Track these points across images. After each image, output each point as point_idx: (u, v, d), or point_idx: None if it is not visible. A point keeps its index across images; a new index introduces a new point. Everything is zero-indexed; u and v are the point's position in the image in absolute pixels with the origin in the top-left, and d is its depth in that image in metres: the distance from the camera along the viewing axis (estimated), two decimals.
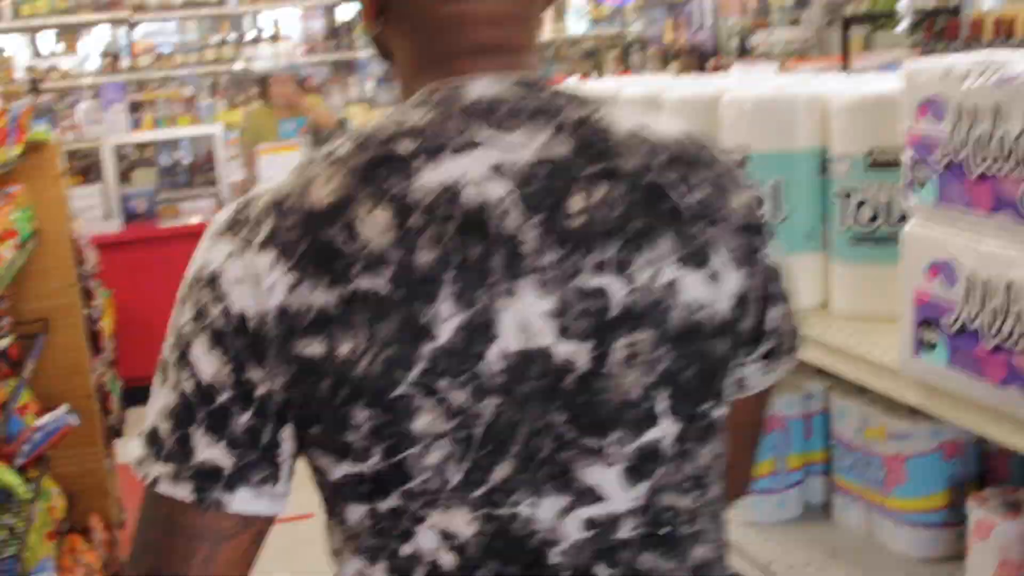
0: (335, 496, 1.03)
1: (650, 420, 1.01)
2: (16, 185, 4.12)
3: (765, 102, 1.97)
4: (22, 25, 7.94)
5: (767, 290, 1.10)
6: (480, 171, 0.97)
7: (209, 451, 0.98)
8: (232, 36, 8.62)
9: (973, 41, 4.75)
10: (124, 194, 7.19)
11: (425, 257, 0.95)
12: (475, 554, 1.01)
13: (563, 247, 0.97)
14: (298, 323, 0.95)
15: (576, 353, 0.98)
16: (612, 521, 1.02)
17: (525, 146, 0.99)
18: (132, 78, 8.13)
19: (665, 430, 1.02)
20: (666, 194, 1.01)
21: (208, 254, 1.00)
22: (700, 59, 7.36)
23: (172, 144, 7.58)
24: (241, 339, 0.97)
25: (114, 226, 6.86)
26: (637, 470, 1.01)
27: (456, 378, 0.96)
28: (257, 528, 1.01)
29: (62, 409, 4.00)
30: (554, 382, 0.98)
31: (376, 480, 0.99)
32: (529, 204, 0.97)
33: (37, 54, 8.26)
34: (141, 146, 7.66)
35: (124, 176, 7.68)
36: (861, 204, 1.84)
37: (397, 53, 1.09)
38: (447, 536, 1.00)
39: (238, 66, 8.42)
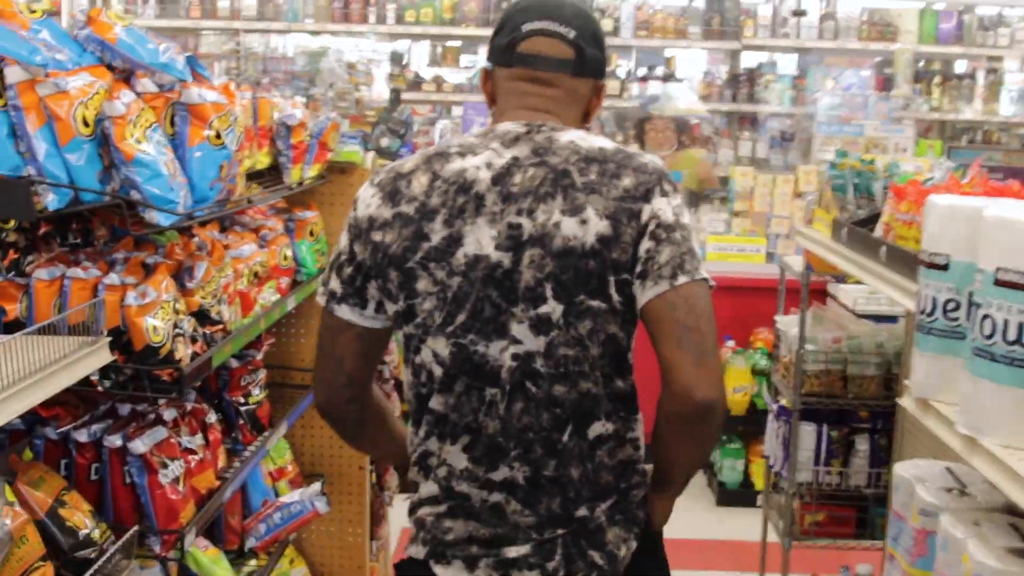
0: (394, 326, 1.98)
1: (542, 300, 1.84)
2: (311, 211, 3.41)
3: None
4: (403, 31, 7.51)
5: (640, 233, 1.83)
6: (480, 164, 1.89)
7: (334, 284, 1.98)
8: (621, 70, 7.82)
9: None
10: None
11: (435, 200, 1.87)
12: (452, 370, 1.89)
13: (504, 202, 1.85)
14: (375, 223, 1.91)
15: (503, 258, 1.85)
16: (529, 356, 1.86)
17: (508, 153, 1.89)
18: None
19: (552, 307, 1.84)
20: (570, 175, 1.85)
21: (361, 188, 1.99)
22: None
23: None
24: (355, 229, 1.94)
25: None
26: (537, 328, 1.85)
27: (439, 263, 1.86)
28: (355, 331, 1.98)
29: (313, 488, 3.24)
30: (491, 273, 1.85)
31: (403, 315, 1.91)
32: (495, 180, 1.87)
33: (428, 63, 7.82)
34: None
35: None
36: None
37: (496, 113, 2.02)
38: (435, 354, 1.90)
39: (630, 102, 7.55)
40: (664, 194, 1.85)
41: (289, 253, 3.15)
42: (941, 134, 7.65)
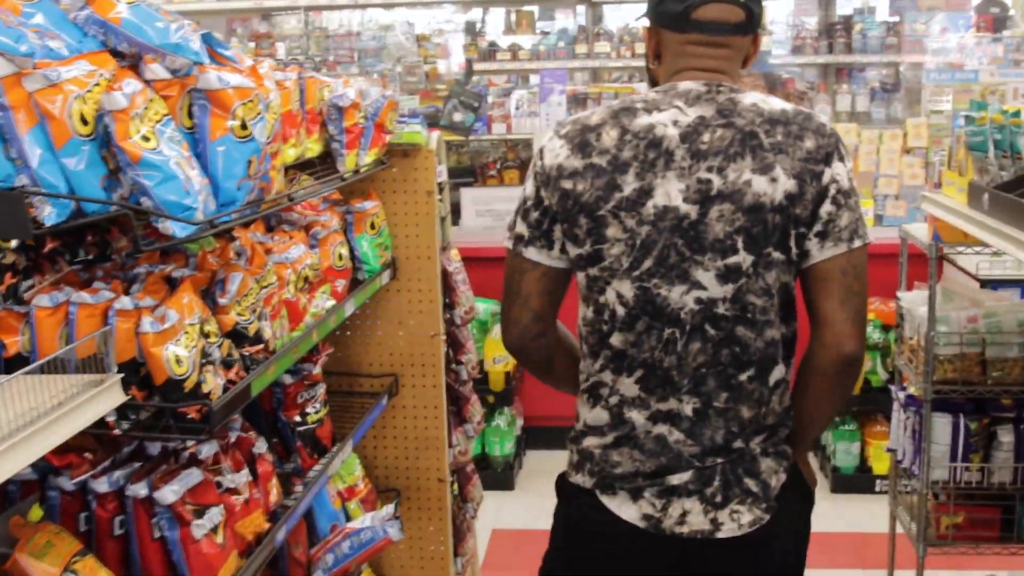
0: (574, 268, 2.08)
1: (733, 251, 1.96)
2: (370, 201, 3.07)
3: None
4: None
5: (821, 194, 1.98)
6: (667, 120, 1.99)
7: (521, 227, 2.10)
8: None
9: None
10: None
11: (627, 154, 1.98)
12: (634, 310, 2.01)
13: (693, 159, 1.97)
14: (564, 172, 2.01)
15: (690, 210, 1.96)
16: (712, 301, 1.98)
17: (693, 112, 2.00)
18: (586, 66, 7.08)
19: (743, 258, 1.96)
20: (757, 136, 1.97)
21: (545, 139, 2.09)
22: None
23: None
24: (542, 176, 2.05)
25: None
26: (724, 277, 1.97)
27: (629, 212, 1.97)
28: (541, 270, 2.10)
29: (385, 512, 2.91)
30: (678, 224, 1.97)
31: (588, 259, 2.03)
32: (683, 137, 1.98)
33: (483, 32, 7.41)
34: None
35: None
36: None
37: (662, 71, 2.12)
38: (619, 295, 2.01)
39: None
40: (841, 158, 2.01)
41: (345, 252, 2.80)
42: None
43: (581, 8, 7.55)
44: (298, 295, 2.44)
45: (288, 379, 2.63)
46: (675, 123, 1.98)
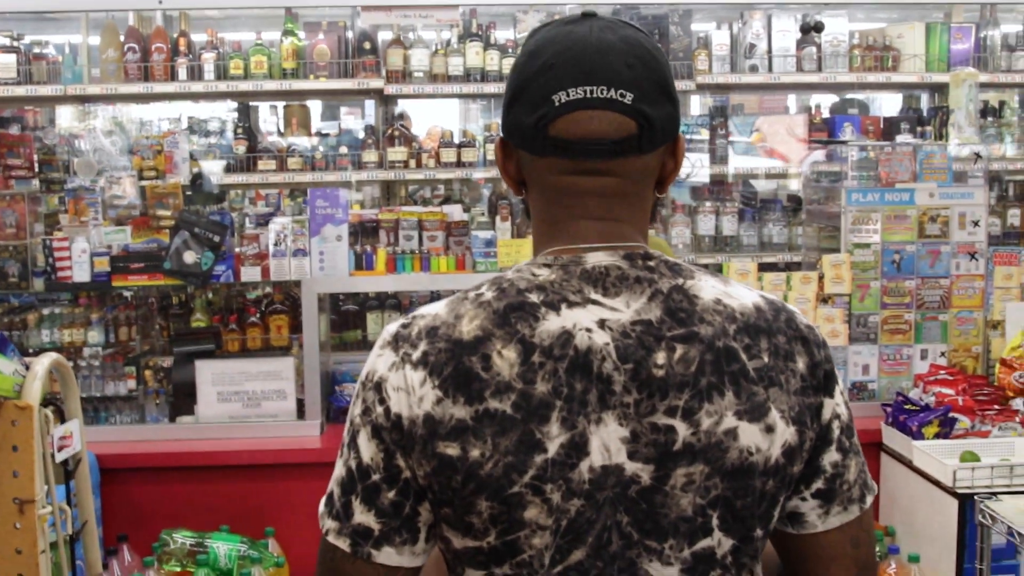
0: (456, 561, 1.33)
1: (705, 532, 1.28)
2: None
3: None
4: (227, 89, 5.34)
5: (822, 438, 1.33)
6: (588, 322, 1.27)
7: (363, 517, 1.30)
8: None
9: None
10: (333, 372, 4.39)
11: (542, 388, 1.25)
12: None
13: (642, 392, 1.26)
14: (440, 430, 1.25)
15: (640, 471, 1.26)
16: None
17: (626, 307, 1.29)
18: (376, 177, 5.40)
19: (718, 541, 1.28)
20: (736, 356, 1.28)
21: (376, 361, 1.32)
22: None
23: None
24: (395, 434, 1.28)
25: (312, 431, 4.04)
26: (691, 570, 1.28)
27: (555, 483, 1.25)
28: None
29: None
30: (622, 492, 1.26)
31: (492, 554, 1.29)
32: (622, 354, 1.26)
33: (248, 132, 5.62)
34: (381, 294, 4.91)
35: (346, 325, 4.97)
36: None
37: (532, 210, 1.38)
38: None
39: None
40: (836, 377, 1.39)
41: None
42: None
43: (370, 104, 5.91)
44: None
45: None
46: (602, 325, 1.28)
